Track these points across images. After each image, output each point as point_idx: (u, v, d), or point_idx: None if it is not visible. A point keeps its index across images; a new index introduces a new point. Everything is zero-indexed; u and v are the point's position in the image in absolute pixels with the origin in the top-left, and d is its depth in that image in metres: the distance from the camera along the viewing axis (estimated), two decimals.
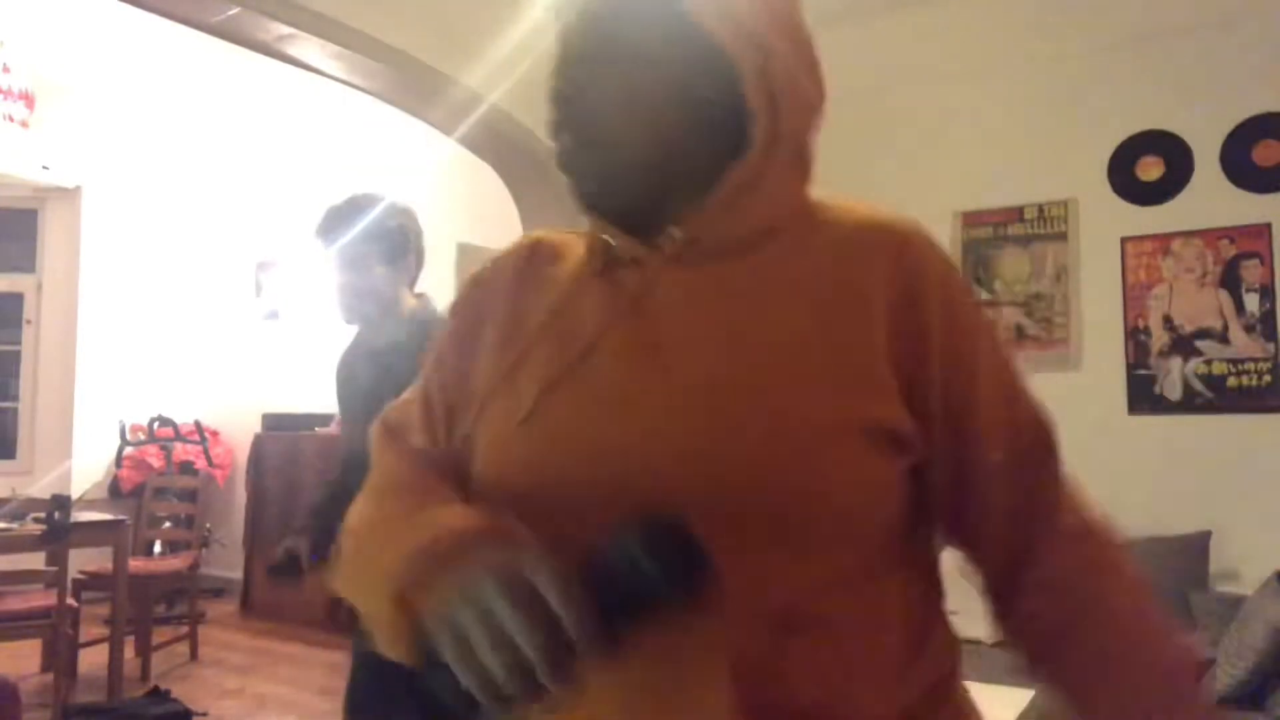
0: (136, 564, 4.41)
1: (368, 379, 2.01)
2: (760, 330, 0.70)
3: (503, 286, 0.82)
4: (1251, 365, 3.46)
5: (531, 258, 0.84)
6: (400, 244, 2.09)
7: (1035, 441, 0.74)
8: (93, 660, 4.13)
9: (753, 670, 0.63)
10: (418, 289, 2.19)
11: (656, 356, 0.70)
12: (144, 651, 4.39)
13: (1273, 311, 3.44)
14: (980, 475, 0.72)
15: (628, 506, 0.60)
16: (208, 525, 5.22)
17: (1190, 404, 3.55)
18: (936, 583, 0.75)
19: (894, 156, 4.20)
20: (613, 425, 0.69)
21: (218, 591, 6.11)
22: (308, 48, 3.41)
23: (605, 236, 0.78)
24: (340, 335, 2.41)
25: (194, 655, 4.68)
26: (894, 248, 0.72)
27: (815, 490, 0.64)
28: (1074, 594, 0.71)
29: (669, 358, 0.70)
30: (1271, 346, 3.44)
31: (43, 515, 3.55)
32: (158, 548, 5.27)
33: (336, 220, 2.05)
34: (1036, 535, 0.72)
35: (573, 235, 0.85)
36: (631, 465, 0.66)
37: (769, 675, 0.63)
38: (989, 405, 0.71)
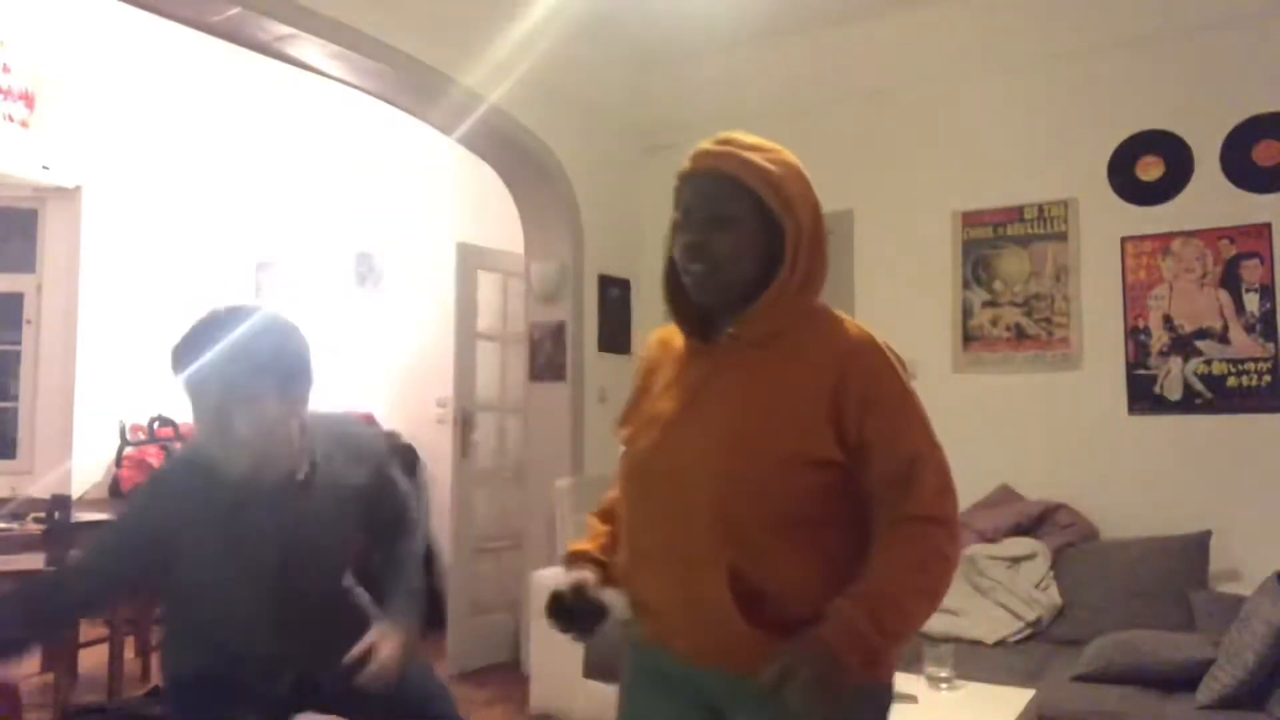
0: None
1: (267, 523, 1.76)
2: (759, 397, 1.28)
3: (647, 360, 1.48)
4: (1251, 365, 3.46)
5: (661, 345, 1.47)
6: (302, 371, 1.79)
7: (907, 463, 1.24)
8: (93, 660, 4.13)
9: (740, 574, 1.23)
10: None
11: (700, 409, 1.31)
12: (144, 651, 4.39)
13: (1273, 311, 3.44)
14: (873, 479, 1.26)
15: (679, 500, 1.27)
16: None
17: (1190, 404, 3.55)
18: (860, 536, 1.26)
19: (894, 156, 4.20)
20: (671, 453, 1.31)
21: None
22: (308, 48, 3.41)
23: (687, 334, 1.40)
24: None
25: None
26: (845, 353, 1.27)
27: (777, 491, 1.24)
28: (884, 540, 1.25)
29: (707, 410, 1.30)
30: (1271, 346, 3.44)
31: (43, 515, 3.55)
32: None
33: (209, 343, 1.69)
34: (893, 514, 1.24)
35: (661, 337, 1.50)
36: (681, 477, 1.28)
37: (749, 575, 1.23)
38: (880, 442, 1.25)
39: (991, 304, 3.95)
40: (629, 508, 1.36)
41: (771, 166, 1.29)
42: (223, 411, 1.68)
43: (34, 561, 3.91)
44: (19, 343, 5.83)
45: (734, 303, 1.31)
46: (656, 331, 1.49)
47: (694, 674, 1.31)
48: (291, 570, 1.81)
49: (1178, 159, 3.64)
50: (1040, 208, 3.88)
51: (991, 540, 3.55)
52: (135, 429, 5.73)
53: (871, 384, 1.25)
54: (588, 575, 1.40)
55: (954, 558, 1.23)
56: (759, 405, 1.26)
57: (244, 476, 1.72)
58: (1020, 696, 2.46)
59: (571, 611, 1.37)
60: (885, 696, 1.31)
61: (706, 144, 1.33)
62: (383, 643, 1.83)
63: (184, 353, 1.71)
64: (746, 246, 1.29)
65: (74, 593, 1.78)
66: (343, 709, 1.94)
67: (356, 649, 1.80)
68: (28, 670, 4.21)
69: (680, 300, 1.37)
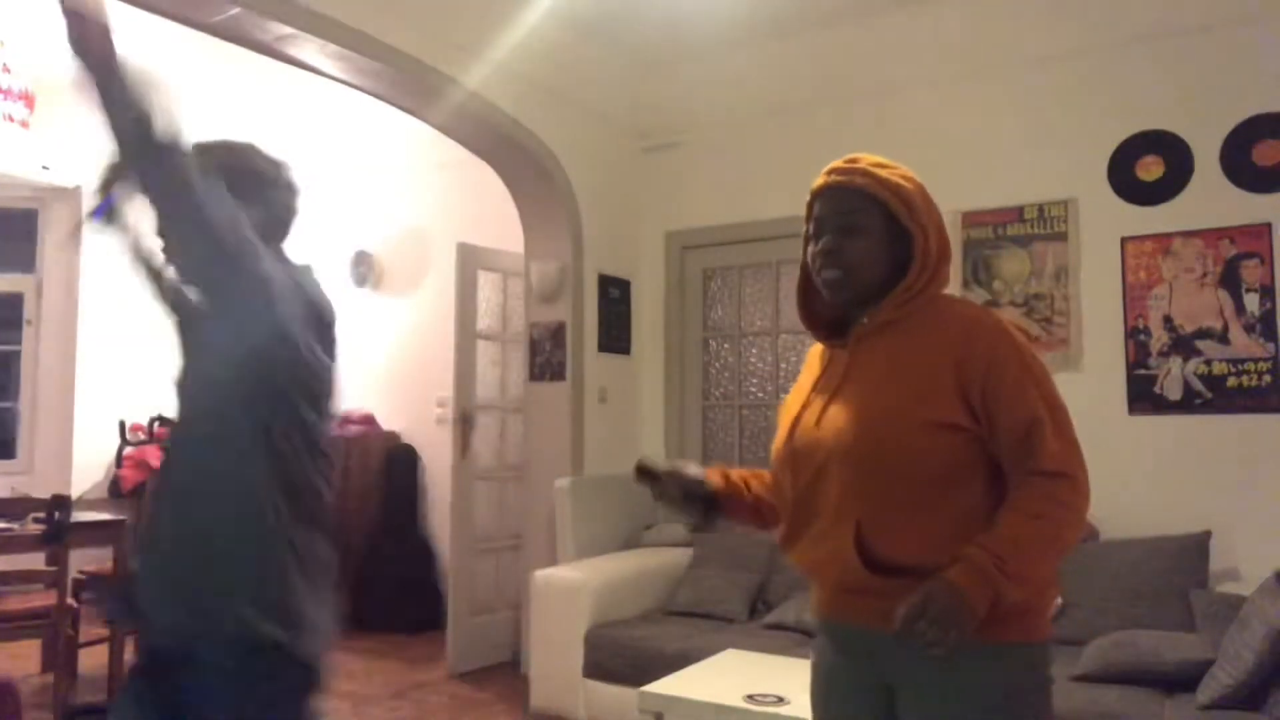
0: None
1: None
2: (892, 373, 1.42)
3: (807, 364, 1.64)
4: (1251, 365, 3.46)
5: (815, 352, 1.63)
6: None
7: (1027, 425, 1.35)
8: (93, 660, 4.13)
9: (867, 528, 1.38)
10: None
11: (843, 391, 1.46)
12: None
13: (1273, 311, 3.44)
14: (1000, 443, 1.38)
15: (824, 466, 1.42)
16: None
17: (1190, 404, 3.55)
18: (993, 498, 1.38)
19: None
20: (819, 429, 1.46)
21: None
22: (308, 48, 3.41)
23: (824, 339, 1.59)
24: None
25: None
26: (967, 328, 1.40)
27: (907, 453, 1.36)
28: (1011, 495, 1.36)
29: (848, 390, 1.45)
30: (1271, 346, 3.44)
31: (43, 515, 3.54)
32: None
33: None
34: (1020, 472, 1.36)
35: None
36: (826, 446, 1.43)
37: (876, 530, 1.38)
38: (1002, 408, 1.37)
39: (992, 304, 3.95)
40: (787, 481, 1.50)
41: (897, 180, 1.47)
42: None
43: (34, 561, 3.92)
44: (19, 343, 5.83)
45: (866, 302, 1.47)
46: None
47: (853, 636, 1.45)
48: None
49: (1178, 159, 3.64)
50: (1040, 208, 3.88)
51: None
52: (135, 429, 5.73)
53: (991, 354, 1.37)
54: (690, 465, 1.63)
55: (1078, 508, 1.33)
56: (893, 380, 1.40)
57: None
58: None
59: (657, 475, 1.59)
60: (1039, 656, 1.43)
61: (838, 163, 1.51)
62: None
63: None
64: (876, 251, 1.45)
65: None
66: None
67: None
68: (28, 670, 4.21)
69: (812, 307, 1.57)
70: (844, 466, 1.39)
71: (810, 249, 1.51)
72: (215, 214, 1.41)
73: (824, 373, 1.53)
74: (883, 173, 1.48)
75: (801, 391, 1.56)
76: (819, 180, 1.52)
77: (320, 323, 1.59)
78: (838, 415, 1.43)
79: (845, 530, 1.38)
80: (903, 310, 1.45)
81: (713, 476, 1.63)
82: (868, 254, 1.44)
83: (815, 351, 1.62)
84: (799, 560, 1.51)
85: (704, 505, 1.61)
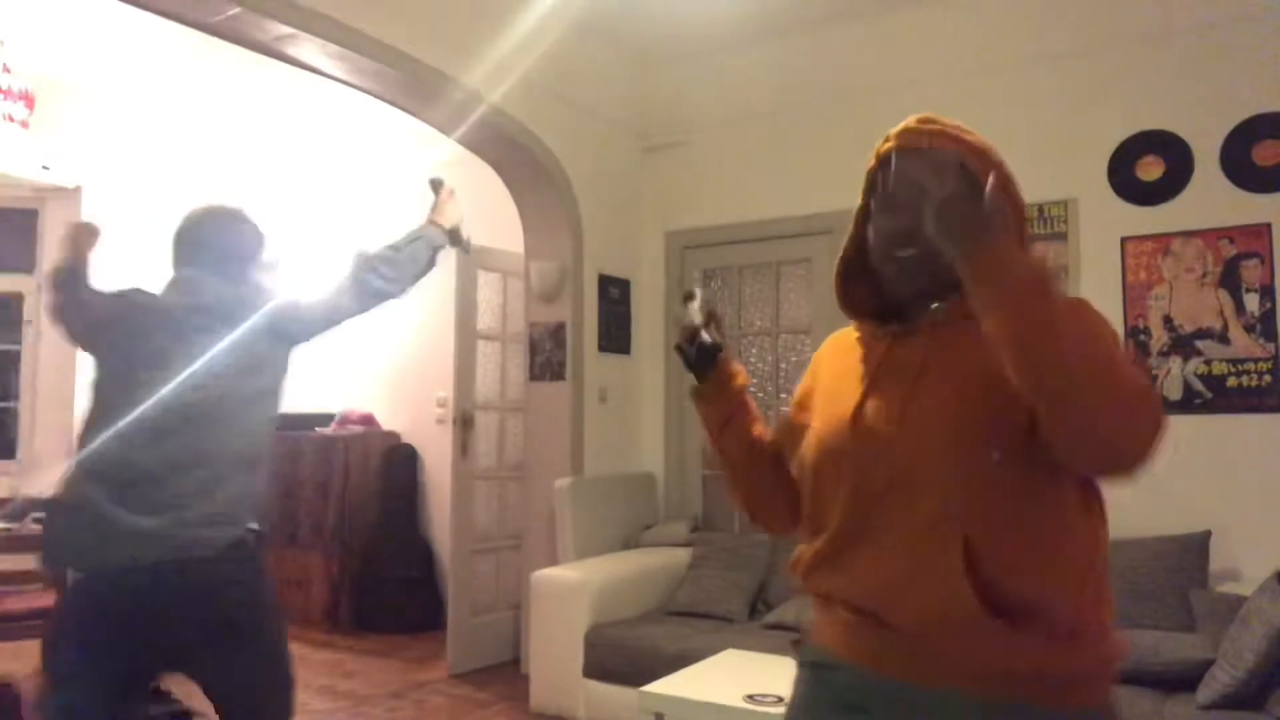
0: None
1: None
2: (987, 368, 1.09)
3: (820, 357, 1.42)
4: (1251, 365, 3.46)
5: (834, 343, 1.40)
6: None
7: None
8: None
9: (976, 553, 1.08)
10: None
11: (924, 385, 1.19)
12: None
13: (1273, 311, 3.44)
14: None
15: (910, 471, 1.14)
16: None
17: (1190, 404, 3.55)
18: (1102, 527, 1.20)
19: None
20: (896, 427, 1.19)
21: None
22: (308, 48, 3.41)
23: (870, 329, 1.32)
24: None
25: None
26: None
27: (1026, 461, 1.09)
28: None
29: (934, 385, 1.18)
30: (1271, 346, 3.44)
31: (42, 515, 3.54)
32: None
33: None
34: None
35: (845, 332, 1.39)
36: (912, 448, 1.16)
37: (987, 557, 1.08)
38: None
39: None
40: (839, 486, 1.21)
41: (983, 144, 1.26)
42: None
43: (34, 561, 3.92)
44: (19, 343, 5.83)
45: (934, 293, 1.22)
46: (832, 335, 1.44)
47: (896, 693, 1.14)
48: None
49: (1178, 159, 3.64)
50: (1040, 208, 3.88)
51: None
52: None
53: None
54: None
55: (1151, 396, 1.02)
56: (990, 375, 1.09)
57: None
58: None
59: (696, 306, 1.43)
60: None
61: (911, 122, 1.28)
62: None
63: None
64: None
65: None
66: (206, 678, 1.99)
67: None
68: (28, 670, 4.21)
69: (858, 288, 1.33)
70: (950, 471, 1.11)
71: (874, 225, 1.27)
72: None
73: (879, 365, 1.25)
74: (970, 138, 1.26)
75: (847, 383, 1.27)
76: (887, 143, 1.30)
77: None
78: (929, 411, 1.16)
79: (945, 550, 1.08)
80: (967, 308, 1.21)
81: (740, 377, 1.45)
82: None
83: (839, 345, 1.38)
84: (844, 586, 1.20)
85: (705, 353, 1.41)
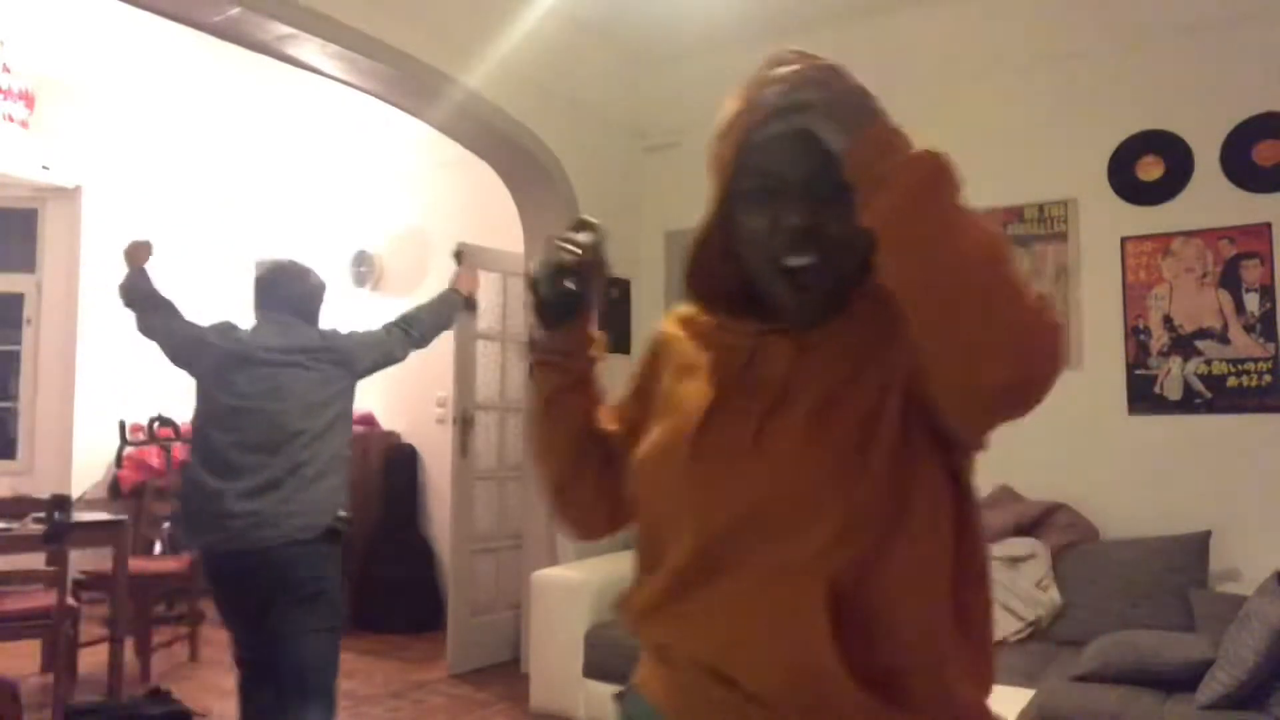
0: (136, 564, 4.41)
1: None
2: (857, 378, 0.97)
3: (674, 339, 1.15)
4: (1251, 365, 3.46)
5: (684, 325, 1.14)
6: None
7: None
8: (93, 660, 4.13)
9: (841, 604, 0.90)
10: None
11: (789, 401, 0.99)
12: (144, 651, 4.39)
13: (1273, 311, 3.44)
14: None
15: (763, 506, 0.94)
16: None
17: (1190, 404, 3.55)
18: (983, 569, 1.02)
19: None
20: (753, 451, 0.98)
21: None
22: (308, 48, 3.41)
23: (728, 323, 1.07)
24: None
25: (194, 655, 4.68)
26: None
27: (900, 492, 0.95)
28: None
29: (800, 400, 0.98)
30: (1271, 346, 3.44)
31: (43, 515, 3.54)
32: (158, 548, 5.27)
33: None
34: None
35: (682, 316, 1.16)
36: (769, 478, 0.97)
37: (854, 610, 0.90)
38: None
39: None
40: (671, 518, 1.00)
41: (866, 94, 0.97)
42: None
43: (34, 561, 3.92)
44: (19, 343, 5.83)
45: (838, 304, 1.01)
46: (671, 314, 1.19)
47: None
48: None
49: (1178, 159, 3.64)
50: (1040, 208, 3.88)
51: (991, 540, 3.55)
52: (135, 429, 5.73)
53: None
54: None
55: (1049, 308, 0.86)
56: (860, 387, 0.95)
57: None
58: (1020, 696, 2.46)
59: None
60: None
61: (782, 72, 0.93)
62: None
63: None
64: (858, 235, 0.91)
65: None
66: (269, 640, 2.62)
67: None
68: (27, 670, 4.21)
69: (712, 281, 1.09)
70: (813, 505, 0.91)
71: (750, 217, 1.01)
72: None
73: (737, 371, 1.02)
74: (857, 86, 0.98)
75: (694, 384, 1.04)
76: (748, 104, 0.99)
77: None
78: (791, 433, 0.95)
79: (805, 601, 0.89)
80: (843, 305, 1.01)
81: (595, 345, 1.17)
82: (854, 224, 0.89)
83: (691, 329, 1.12)
84: (685, 638, 0.97)
85: (565, 299, 1.08)
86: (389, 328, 2.88)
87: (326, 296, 2.89)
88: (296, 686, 2.57)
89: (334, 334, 2.78)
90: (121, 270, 2.96)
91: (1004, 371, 0.83)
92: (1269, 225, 3.46)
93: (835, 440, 0.93)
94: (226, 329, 2.75)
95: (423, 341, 2.94)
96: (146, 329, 2.88)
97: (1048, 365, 0.85)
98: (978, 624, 0.97)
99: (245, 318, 2.81)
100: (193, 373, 2.76)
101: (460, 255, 3.25)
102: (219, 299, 6.41)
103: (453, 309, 3.08)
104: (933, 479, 0.95)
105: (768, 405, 0.98)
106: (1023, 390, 0.85)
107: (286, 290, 2.78)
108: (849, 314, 1.00)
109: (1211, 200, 3.56)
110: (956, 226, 0.84)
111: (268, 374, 2.60)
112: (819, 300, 0.99)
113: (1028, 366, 0.84)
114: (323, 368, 2.66)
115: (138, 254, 2.98)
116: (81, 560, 4.39)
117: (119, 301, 2.93)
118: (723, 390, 1.01)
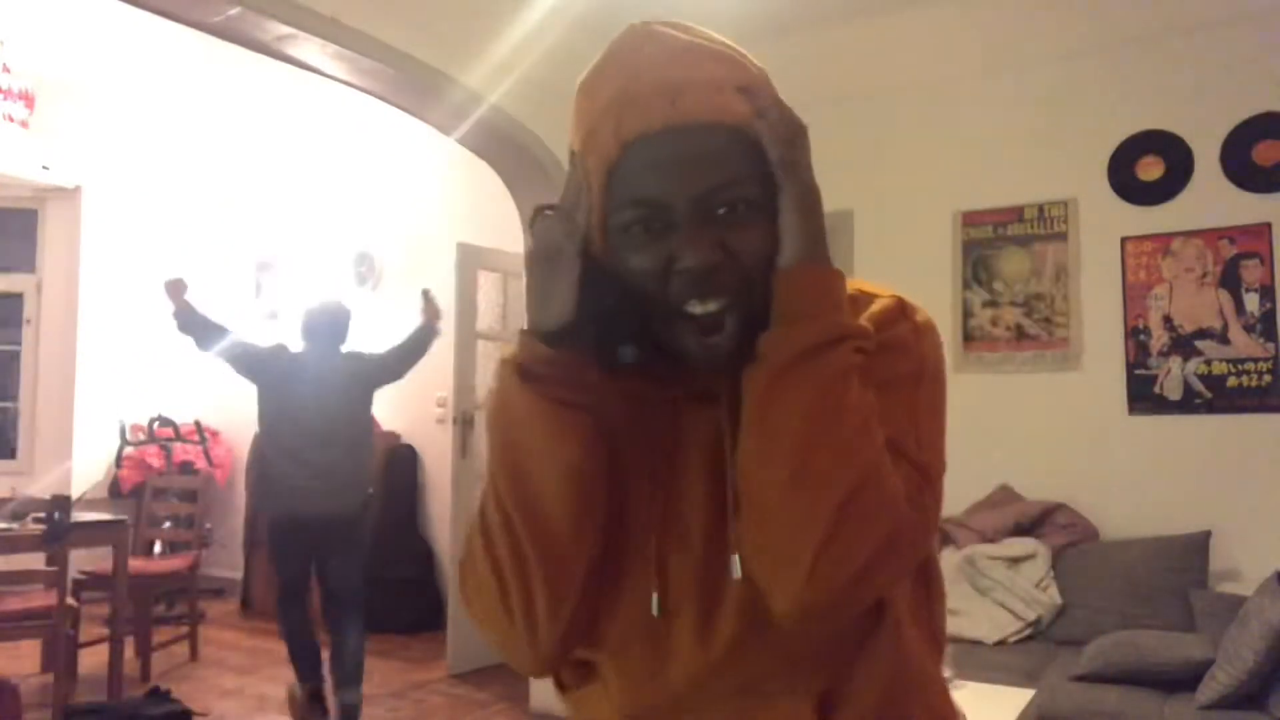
0: (136, 564, 4.41)
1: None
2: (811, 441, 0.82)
3: None
4: (1251, 365, 3.46)
5: None
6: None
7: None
8: (93, 660, 4.13)
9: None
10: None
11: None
12: (144, 651, 4.39)
13: (1273, 311, 3.44)
14: None
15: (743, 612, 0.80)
16: (208, 525, 5.22)
17: (1190, 404, 3.55)
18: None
19: (894, 157, 4.20)
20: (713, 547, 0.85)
21: (218, 591, 6.12)
22: (308, 48, 3.41)
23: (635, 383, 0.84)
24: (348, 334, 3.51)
25: (194, 655, 4.69)
26: (899, 344, 0.83)
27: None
28: None
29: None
30: (1271, 346, 3.44)
31: (43, 515, 3.54)
32: (158, 548, 5.27)
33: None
34: None
35: None
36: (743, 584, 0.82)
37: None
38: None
39: (992, 304, 3.95)
40: (679, 644, 0.81)
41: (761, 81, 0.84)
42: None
43: (34, 561, 3.92)
44: (19, 343, 5.84)
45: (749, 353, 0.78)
46: None
47: None
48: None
49: (1178, 159, 3.64)
50: (1040, 208, 3.88)
51: (991, 540, 3.55)
52: (135, 429, 5.73)
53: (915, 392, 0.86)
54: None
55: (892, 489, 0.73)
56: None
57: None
58: (1020, 696, 2.46)
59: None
60: None
61: (660, 59, 0.81)
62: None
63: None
64: (772, 243, 0.78)
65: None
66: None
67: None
68: (28, 670, 4.21)
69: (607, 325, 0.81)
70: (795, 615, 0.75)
71: (636, 263, 0.78)
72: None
73: (668, 454, 0.83)
74: (749, 74, 0.84)
75: (631, 467, 0.82)
76: (625, 114, 0.79)
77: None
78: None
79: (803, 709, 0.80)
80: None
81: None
82: (765, 253, 0.77)
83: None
84: None
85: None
86: (390, 353, 3.85)
87: (351, 323, 3.80)
88: (351, 600, 3.62)
89: (359, 355, 3.76)
90: (166, 307, 3.56)
91: (840, 596, 0.73)
92: (1269, 225, 3.47)
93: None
94: (279, 350, 3.67)
95: (409, 369, 3.92)
96: (206, 350, 3.61)
97: (898, 572, 0.78)
98: (936, 679, 0.91)
99: (268, 327, 3.14)
100: (256, 383, 3.60)
101: (427, 294, 3.93)
102: (218, 299, 6.42)
103: (431, 338, 3.93)
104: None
105: (706, 488, 0.81)
106: (867, 588, 0.75)
107: (327, 324, 3.71)
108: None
109: (1211, 200, 3.56)
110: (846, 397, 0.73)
111: (317, 385, 3.55)
112: (730, 345, 0.78)
113: (870, 589, 0.75)
114: (354, 381, 3.67)
115: (174, 291, 3.56)
116: (81, 560, 4.39)
117: (173, 328, 3.58)
118: (661, 481, 0.83)
